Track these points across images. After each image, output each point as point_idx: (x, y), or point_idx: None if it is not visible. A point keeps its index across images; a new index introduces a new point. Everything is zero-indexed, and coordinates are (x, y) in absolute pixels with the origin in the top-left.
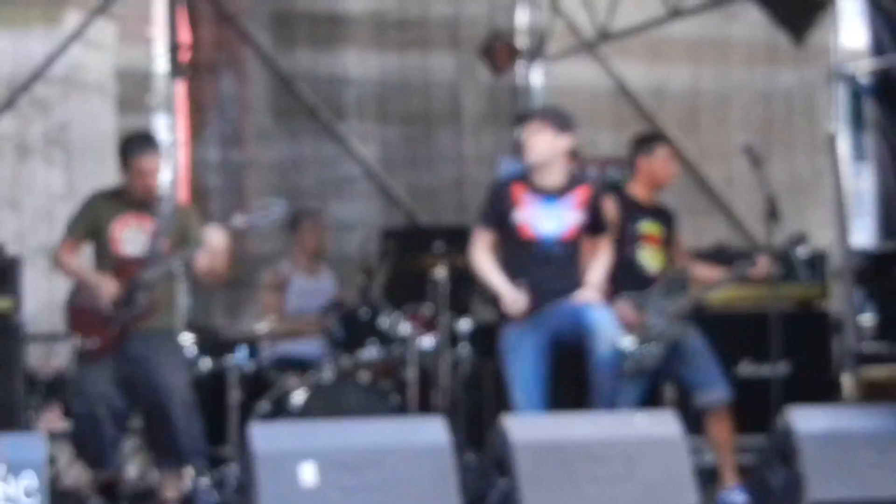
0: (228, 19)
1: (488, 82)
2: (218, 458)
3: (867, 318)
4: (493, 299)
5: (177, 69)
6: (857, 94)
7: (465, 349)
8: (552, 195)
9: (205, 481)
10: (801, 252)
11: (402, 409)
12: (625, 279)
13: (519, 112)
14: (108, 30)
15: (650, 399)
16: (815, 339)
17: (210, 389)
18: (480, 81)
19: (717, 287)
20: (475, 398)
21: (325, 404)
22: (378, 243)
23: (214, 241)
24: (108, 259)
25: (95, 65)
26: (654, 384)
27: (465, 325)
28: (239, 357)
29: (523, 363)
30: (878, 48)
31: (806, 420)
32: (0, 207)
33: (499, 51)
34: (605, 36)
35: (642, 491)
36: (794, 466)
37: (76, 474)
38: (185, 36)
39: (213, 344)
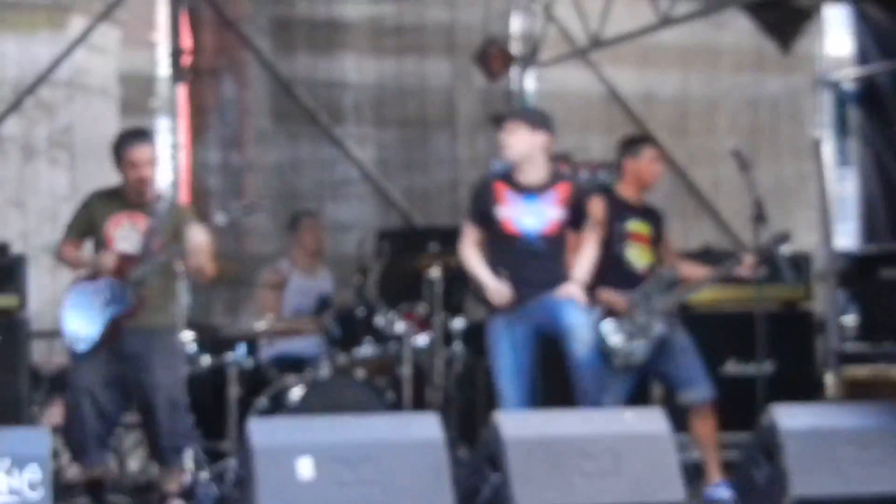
0: (229, 25)
1: (483, 87)
2: (217, 453)
3: (850, 319)
4: (484, 298)
5: (178, 73)
6: (841, 101)
7: (458, 347)
8: (533, 192)
9: (204, 475)
10: (785, 250)
11: (397, 406)
12: (613, 277)
13: (495, 114)
14: (111, 35)
15: (638, 397)
16: (799, 339)
17: (210, 386)
18: (475, 86)
19: (704, 285)
20: (468, 395)
21: (322, 401)
22: (374, 244)
23: (196, 238)
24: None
25: (99, 69)
26: (641, 380)
27: (458, 323)
28: (238, 354)
29: (507, 355)
30: (863, 56)
31: (790, 418)
32: (5, 207)
33: (493, 57)
34: (597, 43)
35: (630, 486)
36: (778, 463)
37: (78, 468)
38: (186, 41)
39: (212, 341)
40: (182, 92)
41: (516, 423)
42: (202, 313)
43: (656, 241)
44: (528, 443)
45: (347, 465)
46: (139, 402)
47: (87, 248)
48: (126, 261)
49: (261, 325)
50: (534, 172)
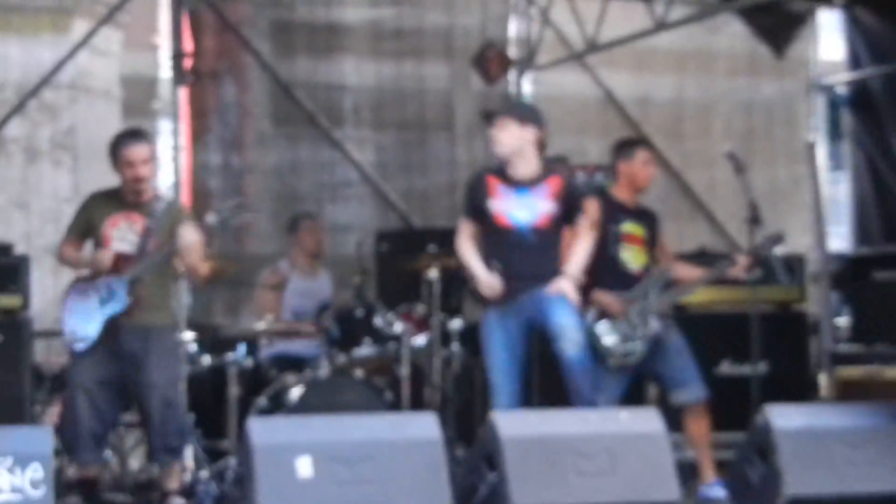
0: (230, 28)
1: (481, 91)
2: (217, 452)
3: (843, 320)
4: (478, 293)
5: (180, 76)
6: (834, 105)
7: (456, 348)
8: (525, 186)
9: (205, 473)
10: (779, 251)
11: (395, 406)
12: (608, 278)
13: (486, 111)
14: (114, 38)
15: (634, 397)
16: (793, 340)
17: (210, 385)
18: (473, 90)
19: (697, 286)
20: (466, 395)
21: (321, 400)
22: (373, 245)
23: (186, 237)
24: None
25: (102, 71)
26: (636, 380)
27: (456, 324)
28: (238, 354)
29: (500, 348)
30: (855, 61)
31: (784, 417)
32: (9, 208)
33: (491, 60)
34: (593, 47)
35: (626, 485)
36: (772, 462)
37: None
38: (188, 44)
39: (213, 341)
40: (183, 94)
41: (513, 423)
42: (203, 313)
43: (651, 243)
44: (524, 442)
45: (346, 463)
46: (136, 401)
47: (88, 248)
48: (123, 260)
49: (261, 325)
50: (525, 167)
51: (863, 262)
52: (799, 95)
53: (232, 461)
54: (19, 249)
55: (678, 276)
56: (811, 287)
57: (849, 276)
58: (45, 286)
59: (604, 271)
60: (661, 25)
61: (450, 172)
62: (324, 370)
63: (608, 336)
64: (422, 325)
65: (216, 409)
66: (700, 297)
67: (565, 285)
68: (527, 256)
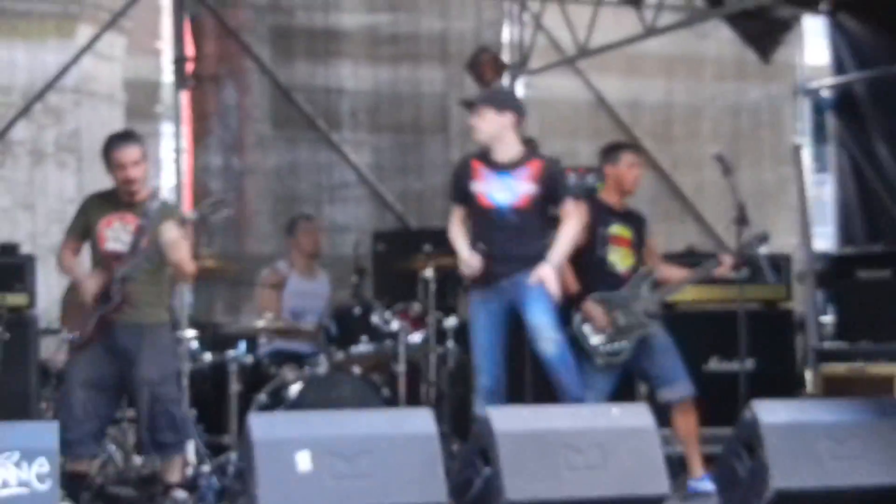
0: (231, 33)
1: (475, 94)
2: (219, 446)
3: (828, 319)
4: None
5: (182, 80)
6: (819, 109)
7: (451, 345)
8: (505, 169)
9: (206, 468)
10: (764, 251)
11: (391, 401)
12: (596, 278)
13: (466, 100)
14: (117, 43)
15: (624, 393)
16: (779, 338)
17: (211, 381)
18: (468, 93)
19: (683, 286)
20: (460, 391)
21: (320, 396)
22: (370, 245)
23: (166, 235)
24: (96, 256)
25: (106, 76)
26: (626, 378)
27: (451, 322)
28: (239, 351)
29: (482, 330)
30: (839, 66)
31: (770, 413)
32: (15, 209)
33: (485, 65)
34: (584, 52)
35: (617, 479)
36: (759, 456)
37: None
38: (189, 49)
39: (214, 339)
40: (185, 98)
41: (507, 418)
42: (204, 311)
43: (638, 245)
44: (518, 437)
45: (344, 458)
46: (130, 397)
47: (86, 259)
48: (116, 259)
49: (260, 323)
50: (506, 151)
51: (847, 261)
52: (785, 99)
53: (233, 455)
54: (25, 249)
55: (664, 277)
56: (797, 286)
57: (833, 275)
58: (51, 285)
59: (592, 273)
60: (650, 31)
61: (445, 174)
62: (322, 367)
63: (595, 336)
64: (418, 322)
65: (217, 404)
66: (689, 295)
67: (546, 273)
68: (508, 237)
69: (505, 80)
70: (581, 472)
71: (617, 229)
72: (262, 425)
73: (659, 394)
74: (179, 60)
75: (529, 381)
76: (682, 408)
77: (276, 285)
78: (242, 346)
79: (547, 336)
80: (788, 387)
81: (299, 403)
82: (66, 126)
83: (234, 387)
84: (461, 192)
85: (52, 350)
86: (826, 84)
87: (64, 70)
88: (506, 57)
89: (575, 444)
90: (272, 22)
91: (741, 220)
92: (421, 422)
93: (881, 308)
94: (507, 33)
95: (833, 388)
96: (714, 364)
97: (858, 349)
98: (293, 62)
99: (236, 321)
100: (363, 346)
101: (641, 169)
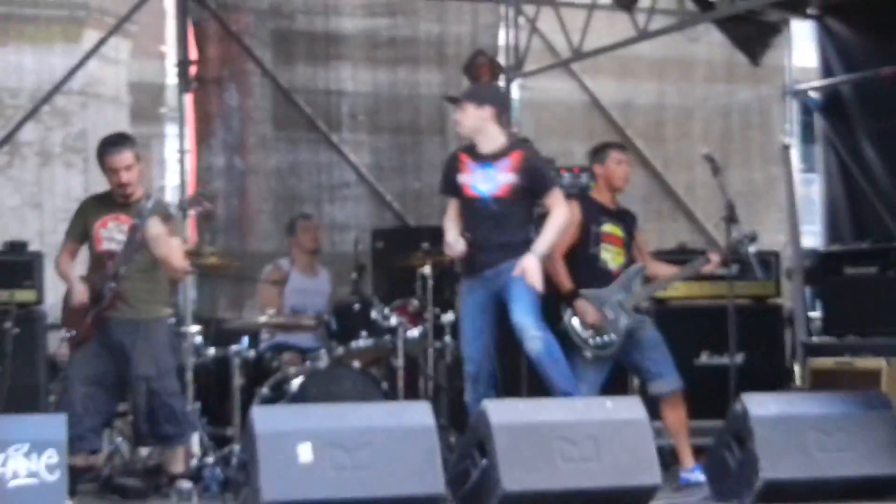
0: (233, 37)
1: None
2: (223, 438)
3: (816, 314)
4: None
5: (185, 83)
6: (807, 110)
7: (448, 340)
8: (488, 161)
9: (210, 459)
10: (753, 248)
11: (390, 395)
12: (588, 275)
13: (450, 96)
14: (122, 47)
15: (617, 387)
16: (768, 332)
17: (215, 375)
18: None
19: (672, 282)
20: (458, 384)
21: (321, 389)
22: (370, 243)
23: (149, 231)
24: (93, 256)
25: (111, 78)
26: (617, 371)
27: (448, 317)
28: (242, 346)
29: (468, 318)
30: (827, 69)
31: (760, 406)
32: (24, 208)
33: (481, 67)
34: (578, 55)
35: (610, 470)
36: (749, 448)
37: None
38: (193, 52)
39: (217, 334)
40: (189, 100)
41: (503, 411)
42: (208, 308)
43: (629, 243)
44: (514, 429)
45: (344, 449)
46: (128, 392)
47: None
48: (109, 258)
49: (262, 318)
50: (488, 143)
51: (834, 258)
52: (774, 101)
53: (236, 447)
54: (33, 247)
55: (654, 273)
56: (785, 282)
57: (821, 271)
58: (59, 281)
59: (584, 270)
60: (643, 35)
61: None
62: (323, 361)
63: (584, 330)
64: (416, 318)
65: (221, 398)
66: (680, 291)
67: (529, 264)
68: (490, 226)
69: (501, 83)
70: (576, 463)
71: (609, 227)
72: (265, 418)
73: (649, 387)
74: (183, 63)
75: (525, 374)
76: (671, 400)
77: (277, 282)
78: (245, 341)
79: (531, 335)
80: (777, 380)
81: (300, 397)
82: (73, 127)
83: (237, 381)
84: (450, 185)
85: (61, 345)
86: (814, 86)
87: (71, 73)
88: (502, 60)
89: (570, 436)
90: (273, 26)
91: (731, 218)
92: (419, 414)
93: (867, 303)
94: (502, 37)
95: (821, 382)
96: (705, 358)
97: (845, 344)
98: (294, 65)
99: (239, 317)
100: (363, 341)
101: (629, 165)
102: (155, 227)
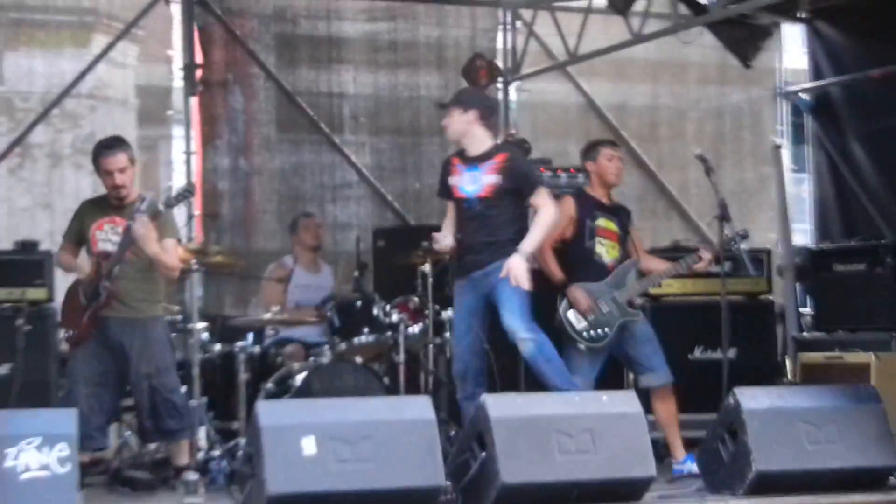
0: (238, 41)
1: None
2: (229, 432)
3: (807, 310)
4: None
5: (191, 86)
6: (798, 111)
7: (448, 336)
8: (475, 163)
9: (217, 452)
10: (745, 245)
11: (392, 389)
12: (583, 269)
13: (440, 102)
14: (130, 51)
15: (613, 381)
16: (760, 328)
17: (221, 371)
18: None
19: (665, 277)
20: None
21: (324, 384)
22: (371, 241)
23: (134, 230)
24: (90, 257)
25: (119, 82)
26: (611, 364)
27: (448, 314)
28: (247, 342)
29: (458, 318)
30: (817, 71)
31: (752, 399)
32: (35, 209)
33: (480, 70)
34: (574, 58)
35: (606, 462)
36: (742, 440)
37: None
38: (199, 56)
39: (223, 330)
40: (195, 103)
41: (502, 405)
42: (214, 305)
43: (623, 237)
44: (512, 422)
45: (347, 442)
46: (131, 389)
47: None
48: (105, 258)
49: (268, 315)
50: (475, 146)
51: (824, 255)
52: (765, 102)
53: (242, 441)
54: (44, 246)
55: (647, 268)
56: (777, 279)
57: (811, 268)
58: (68, 280)
59: (580, 263)
60: (637, 38)
61: None
62: (326, 356)
63: (579, 322)
64: (416, 315)
65: (227, 393)
66: (675, 288)
67: (515, 265)
68: (477, 226)
69: (499, 85)
70: (572, 455)
71: (603, 222)
72: (270, 412)
73: (639, 380)
74: (189, 67)
75: (522, 369)
76: (662, 394)
77: (282, 279)
78: (250, 337)
79: (521, 337)
80: (769, 375)
81: (304, 391)
82: (82, 130)
83: (243, 376)
84: (444, 188)
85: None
86: (804, 88)
87: (80, 77)
88: (500, 63)
89: (566, 429)
90: (277, 30)
91: (723, 216)
92: (420, 408)
93: (857, 300)
94: (500, 40)
95: (811, 376)
96: (698, 353)
97: (835, 339)
98: (297, 68)
99: (244, 314)
100: (365, 337)
101: (621, 162)
102: (141, 227)
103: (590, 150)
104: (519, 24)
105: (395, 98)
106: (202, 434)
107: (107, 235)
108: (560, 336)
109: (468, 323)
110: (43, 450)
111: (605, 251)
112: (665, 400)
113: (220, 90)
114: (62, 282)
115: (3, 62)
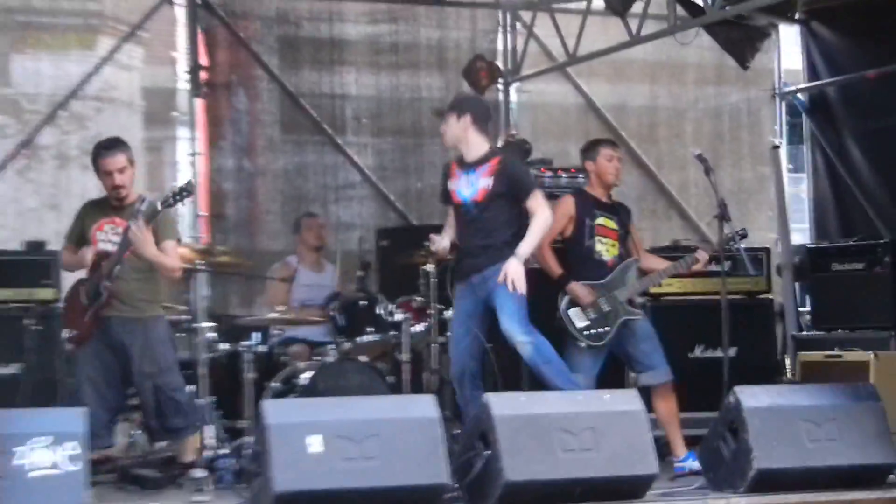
0: (242, 44)
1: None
2: (236, 430)
3: (806, 309)
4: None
5: (196, 87)
6: (795, 112)
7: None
8: (472, 168)
9: (224, 450)
10: (744, 245)
11: (396, 388)
12: (583, 267)
13: (437, 108)
14: (135, 53)
15: (615, 380)
16: (760, 327)
17: (228, 370)
18: None
19: (664, 276)
20: None
21: (329, 383)
22: (374, 241)
23: (130, 232)
24: (91, 258)
25: (125, 84)
26: (612, 362)
27: (451, 313)
28: (253, 342)
29: (456, 322)
30: (813, 72)
31: (752, 397)
32: (42, 209)
33: (480, 71)
34: (574, 59)
35: (609, 460)
36: (743, 438)
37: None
38: (203, 58)
39: (230, 330)
40: (200, 104)
41: (505, 403)
42: (220, 305)
43: (623, 236)
44: (515, 421)
45: (352, 440)
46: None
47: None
48: (104, 259)
49: (273, 315)
50: (472, 151)
51: (822, 254)
52: (763, 103)
53: (249, 439)
54: (52, 247)
55: (647, 266)
56: (776, 278)
57: (810, 267)
58: (75, 280)
59: (580, 262)
60: (635, 39)
61: None
62: (331, 356)
63: (579, 320)
64: (420, 314)
65: (234, 391)
66: (675, 288)
67: (512, 269)
68: (472, 230)
69: (499, 86)
70: (575, 453)
71: (603, 220)
72: (276, 410)
73: (640, 378)
74: (194, 69)
75: (525, 368)
76: (662, 392)
77: (286, 279)
78: (256, 336)
79: (519, 340)
80: (769, 373)
81: (310, 390)
82: (89, 131)
83: (249, 375)
84: (445, 194)
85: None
86: (801, 88)
87: (86, 79)
88: (500, 64)
89: (569, 428)
90: (280, 32)
91: (722, 216)
92: (424, 407)
93: (855, 298)
94: (500, 42)
95: (811, 374)
96: (699, 352)
97: (834, 337)
98: (300, 70)
99: (250, 313)
100: (369, 337)
101: (620, 161)
102: (137, 232)
103: (589, 150)
104: (518, 25)
105: (396, 99)
106: (210, 433)
107: (107, 236)
108: (561, 335)
109: (466, 326)
110: (53, 448)
111: (605, 250)
112: (665, 398)
113: (225, 92)
114: (69, 282)
115: (10, 64)
